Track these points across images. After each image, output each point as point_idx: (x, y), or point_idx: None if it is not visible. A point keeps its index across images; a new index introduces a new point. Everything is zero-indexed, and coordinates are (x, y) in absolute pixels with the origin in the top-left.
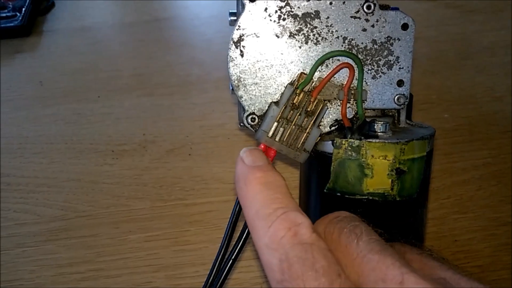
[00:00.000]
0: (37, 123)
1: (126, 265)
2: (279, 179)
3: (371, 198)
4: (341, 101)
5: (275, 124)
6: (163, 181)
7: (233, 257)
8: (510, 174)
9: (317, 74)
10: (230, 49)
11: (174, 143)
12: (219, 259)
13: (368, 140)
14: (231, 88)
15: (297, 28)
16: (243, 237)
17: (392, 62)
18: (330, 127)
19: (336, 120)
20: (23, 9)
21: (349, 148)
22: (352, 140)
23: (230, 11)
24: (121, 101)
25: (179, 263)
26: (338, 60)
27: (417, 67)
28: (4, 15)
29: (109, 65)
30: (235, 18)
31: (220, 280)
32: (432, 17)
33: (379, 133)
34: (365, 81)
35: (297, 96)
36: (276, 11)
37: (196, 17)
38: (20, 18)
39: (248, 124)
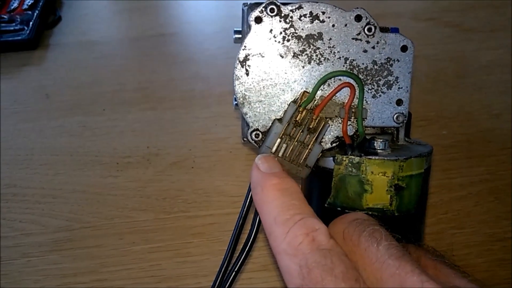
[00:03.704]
0: (43, 135)
1: (130, 276)
2: (295, 186)
3: (370, 213)
4: (342, 119)
5: (278, 140)
6: (166, 194)
7: (236, 269)
8: (507, 191)
9: (319, 92)
10: (236, 68)
11: (178, 156)
12: (222, 271)
13: (368, 157)
14: (234, 103)
15: (300, 48)
16: (246, 249)
17: (391, 82)
18: (331, 144)
19: (337, 137)
20: (30, 23)
21: (350, 165)
22: (353, 157)
23: (235, 29)
24: (125, 114)
25: (181, 275)
26: (340, 79)
27: (416, 85)
28: (11, 28)
29: (114, 79)
30: (239, 36)
31: None
32: (431, 36)
33: (378, 150)
34: (365, 100)
35: (299, 114)
36: (280, 32)
37: (200, 33)
38: (28, 31)
39: (252, 140)
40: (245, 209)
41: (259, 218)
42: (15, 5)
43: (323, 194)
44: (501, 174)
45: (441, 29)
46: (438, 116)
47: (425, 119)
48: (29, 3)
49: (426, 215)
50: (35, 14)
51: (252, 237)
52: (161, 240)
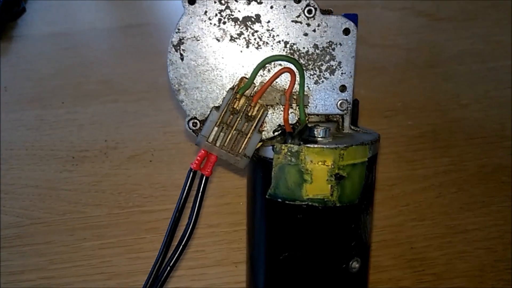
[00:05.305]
0: None
1: (78, 273)
2: None
3: (311, 204)
4: (283, 106)
5: (216, 129)
6: (122, 188)
7: (171, 264)
8: (470, 181)
9: (259, 79)
10: (170, 52)
11: (136, 149)
12: (156, 267)
13: (306, 145)
14: None
15: (238, 32)
16: (182, 244)
17: (334, 67)
18: (273, 133)
19: (279, 125)
20: None
21: (289, 153)
22: (292, 145)
23: None
24: (85, 107)
25: (132, 271)
26: (280, 65)
27: (385, 75)
28: None
29: (78, 71)
30: None
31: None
32: (404, 26)
33: (318, 138)
34: (307, 86)
35: (237, 101)
36: (216, 15)
37: (173, 23)
38: None
39: (190, 129)
40: (181, 202)
41: (197, 212)
42: None
43: (265, 185)
44: (465, 165)
45: (414, 18)
46: (405, 106)
47: (391, 109)
48: None
49: (373, 206)
50: None
51: (188, 231)
52: (113, 235)
